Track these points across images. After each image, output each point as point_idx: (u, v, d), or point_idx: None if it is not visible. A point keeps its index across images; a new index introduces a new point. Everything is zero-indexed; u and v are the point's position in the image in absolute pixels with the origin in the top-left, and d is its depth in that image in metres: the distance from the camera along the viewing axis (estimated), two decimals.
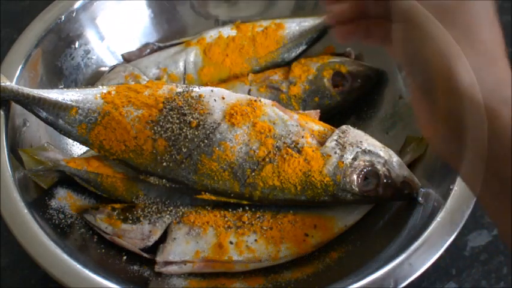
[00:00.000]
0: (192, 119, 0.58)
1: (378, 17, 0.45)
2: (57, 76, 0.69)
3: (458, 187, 0.54)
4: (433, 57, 0.35)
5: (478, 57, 0.35)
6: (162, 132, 0.57)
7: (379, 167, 0.57)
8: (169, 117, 0.58)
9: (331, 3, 0.47)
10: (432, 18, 0.35)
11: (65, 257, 0.50)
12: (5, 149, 0.56)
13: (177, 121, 0.58)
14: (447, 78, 0.34)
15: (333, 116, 0.70)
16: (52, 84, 0.68)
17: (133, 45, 0.76)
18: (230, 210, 0.60)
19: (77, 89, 0.61)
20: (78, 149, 0.67)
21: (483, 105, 0.33)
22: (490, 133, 0.33)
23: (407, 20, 0.37)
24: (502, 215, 0.36)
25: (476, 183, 0.36)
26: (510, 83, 0.34)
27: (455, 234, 0.52)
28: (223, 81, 0.73)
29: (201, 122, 0.58)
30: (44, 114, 0.59)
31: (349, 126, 0.60)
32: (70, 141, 0.66)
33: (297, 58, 0.74)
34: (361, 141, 0.58)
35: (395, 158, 0.58)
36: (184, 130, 0.57)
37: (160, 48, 0.75)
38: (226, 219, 0.59)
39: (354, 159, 0.57)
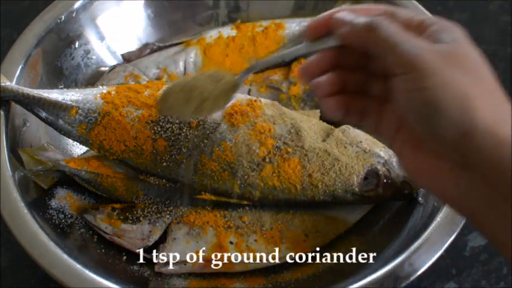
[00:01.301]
0: (192, 119, 0.58)
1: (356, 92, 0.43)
2: (57, 76, 0.69)
3: None
4: (451, 101, 0.34)
5: (495, 101, 0.35)
6: (162, 132, 0.57)
7: (379, 167, 0.57)
8: (169, 117, 0.58)
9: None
10: (441, 64, 0.35)
11: (65, 257, 0.50)
12: (5, 149, 0.56)
13: (177, 121, 0.58)
14: (463, 121, 0.34)
15: None
16: (52, 84, 0.68)
17: (133, 45, 0.76)
18: (230, 210, 0.60)
19: (77, 89, 0.61)
20: (78, 149, 0.67)
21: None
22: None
23: (412, 70, 0.35)
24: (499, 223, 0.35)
25: None
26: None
27: (455, 234, 0.52)
28: None
29: (201, 122, 0.58)
30: (44, 114, 0.59)
31: (349, 126, 0.60)
32: (70, 141, 0.66)
33: (297, 58, 0.74)
34: (361, 141, 0.58)
35: (395, 158, 0.58)
36: (184, 130, 0.57)
37: (160, 48, 0.75)
38: (226, 219, 0.59)
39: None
